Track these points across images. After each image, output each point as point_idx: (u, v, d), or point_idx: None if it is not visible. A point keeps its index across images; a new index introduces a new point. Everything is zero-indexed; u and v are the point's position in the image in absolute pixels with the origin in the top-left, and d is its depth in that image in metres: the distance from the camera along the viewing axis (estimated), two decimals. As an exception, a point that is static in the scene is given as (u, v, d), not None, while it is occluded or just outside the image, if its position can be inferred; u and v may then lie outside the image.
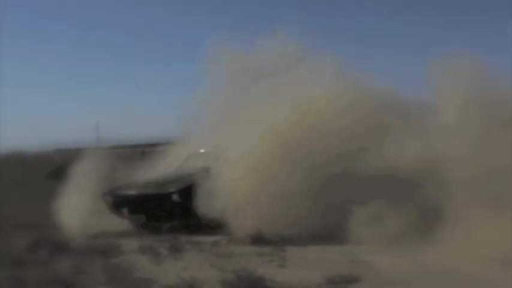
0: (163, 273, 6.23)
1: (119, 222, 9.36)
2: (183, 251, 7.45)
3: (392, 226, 6.74)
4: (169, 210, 8.96)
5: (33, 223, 8.69)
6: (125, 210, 9.31)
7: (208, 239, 8.10)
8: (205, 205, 8.11)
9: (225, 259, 6.83)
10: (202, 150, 10.51)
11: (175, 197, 8.91)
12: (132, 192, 9.40)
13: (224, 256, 7.00)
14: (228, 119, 9.77)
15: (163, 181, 9.43)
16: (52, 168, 10.54)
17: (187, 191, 8.75)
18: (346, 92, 8.53)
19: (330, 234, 7.28)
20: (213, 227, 8.28)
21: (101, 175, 9.41)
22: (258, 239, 7.57)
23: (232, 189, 7.95)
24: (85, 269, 6.48)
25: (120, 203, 9.35)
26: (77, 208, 8.80)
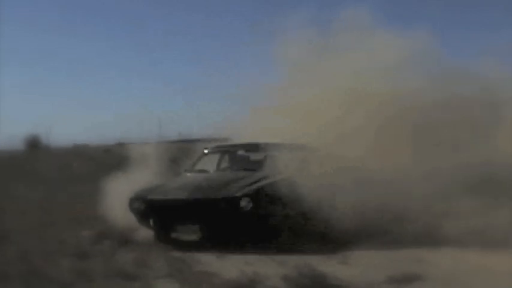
0: (225, 268, 6.14)
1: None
2: (245, 246, 6.97)
3: (480, 223, 6.48)
4: (235, 220, 6.99)
5: (99, 216, 8.71)
6: (166, 221, 7.34)
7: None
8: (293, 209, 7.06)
9: (287, 255, 6.66)
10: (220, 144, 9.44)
11: (245, 203, 6.93)
12: (180, 195, 7.36)
13: (286, 252, 6.82)
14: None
15: (216, 182, 7.61)
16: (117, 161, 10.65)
17: (259, 195, 7.05)
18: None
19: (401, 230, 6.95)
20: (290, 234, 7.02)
21: (160, 168, 9.25)
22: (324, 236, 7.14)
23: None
24: (148, 262, 6.48)
25: (157, 211, 7.39)
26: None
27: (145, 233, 7.68)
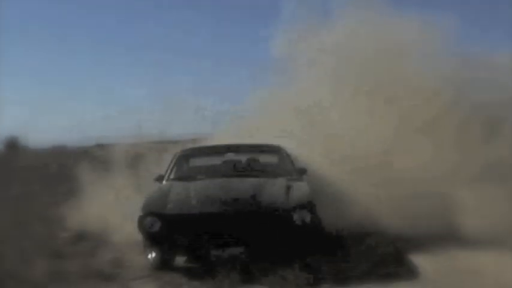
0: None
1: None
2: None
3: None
4: (289, 236, 5.66)
5: (76, 217, 8.66)
6: (194, 244, 5.67)
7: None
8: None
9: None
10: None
11: (300, 217, 5.70)
12: (216, 208, 5.78)
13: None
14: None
15: (249, 191, 6.14)
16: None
17: (313, 205, 5.89)
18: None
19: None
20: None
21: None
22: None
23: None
24: (125, 262, 6.44)
25: (183, 229, 5.72)
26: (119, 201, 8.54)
27: (123, 233, 7.47)
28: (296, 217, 5.67)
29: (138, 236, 6.14)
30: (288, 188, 6.25)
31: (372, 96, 8.61)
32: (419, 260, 5.82)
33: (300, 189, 6.29)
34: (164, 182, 7.17)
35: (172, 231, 5.75)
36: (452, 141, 7.83)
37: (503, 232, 6.31)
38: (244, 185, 6.44)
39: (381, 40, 9.15)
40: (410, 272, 5.54)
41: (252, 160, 7.70)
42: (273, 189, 6.21)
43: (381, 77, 8.72)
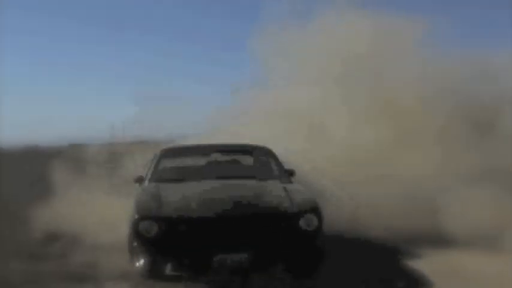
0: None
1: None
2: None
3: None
4: (294, 243, 5.34)
5: (50, 218, 8.59)
6: (197, 250, 5.20)
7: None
8: None
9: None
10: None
11: (306, 222, 5.34)
12: (212, 211, 5.35)
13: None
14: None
15: (250, 194, 5.81)
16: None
17: (319, 212, 5.50)
18: None
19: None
20: None
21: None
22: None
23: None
24: (99, 263, 6.38)
25: (184, 234, 5.22)
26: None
27: (96, 234, 7.43)
28: (302, 222, 5.32)
29: (118, 239, 6.02)
30: (286, 191, 5.90)
31: (353, 97, 8.74)
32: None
33: (301, 193, 5.94)
34: (146, 183, 6.73)
35: (171, 236, 5.22)
36: (435, 144, 8.01)
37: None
38: (241, 188, 6.13)
39: (360, 41, 9.27)
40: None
41: (236, 161, 7.50)
42: (273, 192, 5.89)
43: (362, 77, 8.85)
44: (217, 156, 7.46)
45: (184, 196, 5.75)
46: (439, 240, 6.64)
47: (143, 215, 5.36)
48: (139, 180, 6.93)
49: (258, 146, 7.53)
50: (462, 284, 5.31)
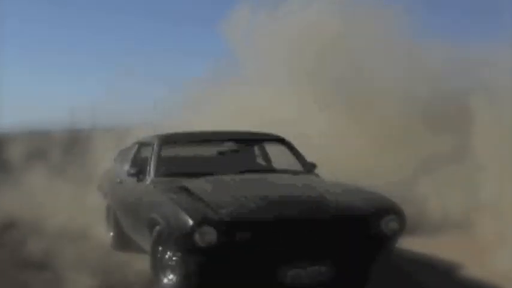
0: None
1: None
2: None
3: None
4: (374, 251, 4.43)
5: (8, 205, 8.43)
6: (265, 258, 4.12)
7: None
8: None
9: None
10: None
11: (387, 224, 4.40)
12: (281, 213, 4.28)
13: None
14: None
15: (306, 193, 4.75)
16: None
17: (402, 213, 4.61)
18: None
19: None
20: None
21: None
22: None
23: None
24: (58, 252, 6.29)
25: (249, 241, 4.11)
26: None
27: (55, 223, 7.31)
28: (384, 225, 4.40)
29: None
30: (341, 186, 5.01)
31: (322, 90, 8.82)
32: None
33: (359, 190, 4.90)
34: (151, 178, 5.40)
35: (233, 245, 4.09)
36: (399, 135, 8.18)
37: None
38: (290, 184, 5.16)
39: (334, 31, 9.32)
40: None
41: (246, 151, 6.56)
42: (330, 189, 4.83)
43: (335, 69, 8.92)
44: (230, 146, 6.42)
45: (233, 196, 4.53)
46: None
47: (199, 220, 4.10)
48: (137, 174, 5.59)
49: (274, 135, 6.41)
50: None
